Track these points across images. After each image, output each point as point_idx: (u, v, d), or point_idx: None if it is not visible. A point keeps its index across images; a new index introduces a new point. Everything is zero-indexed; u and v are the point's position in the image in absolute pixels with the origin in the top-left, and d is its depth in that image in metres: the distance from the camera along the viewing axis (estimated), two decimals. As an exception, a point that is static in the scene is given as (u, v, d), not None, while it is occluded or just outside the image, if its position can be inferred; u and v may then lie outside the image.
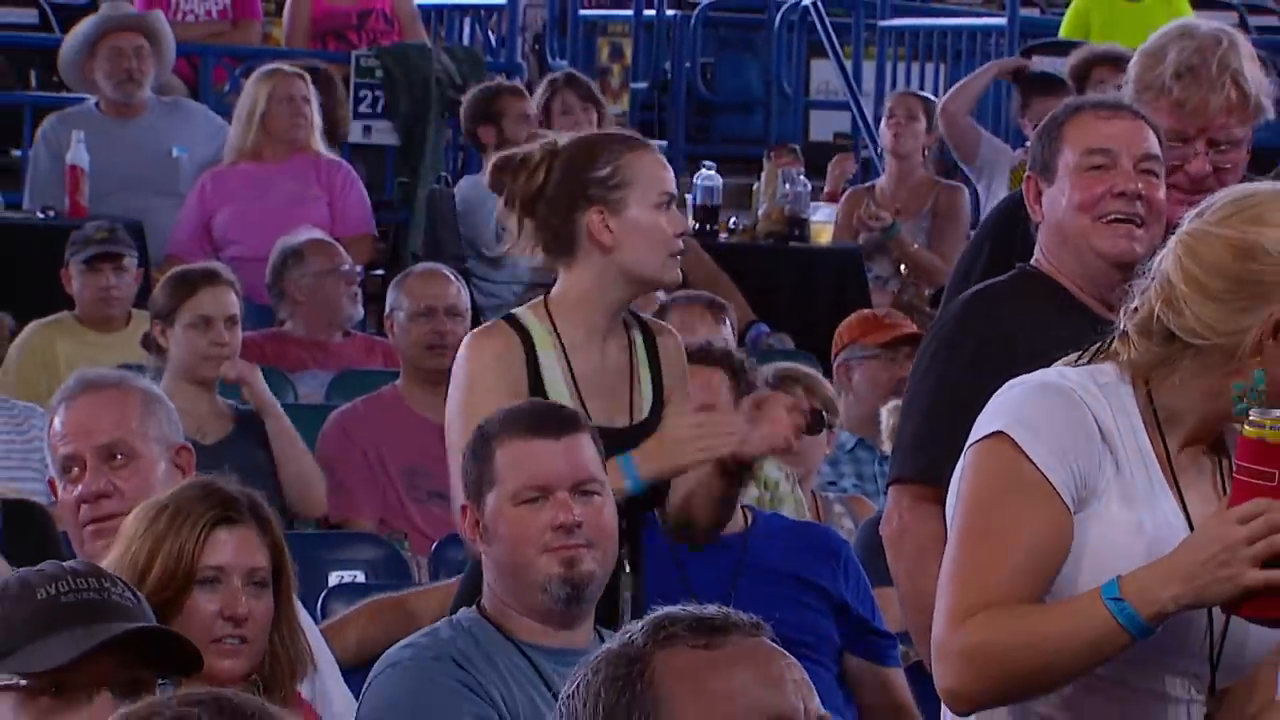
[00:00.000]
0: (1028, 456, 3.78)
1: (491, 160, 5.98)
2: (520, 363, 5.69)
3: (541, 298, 5.81)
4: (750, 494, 7.05)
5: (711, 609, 3.33)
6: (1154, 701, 3.85)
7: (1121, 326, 3.86)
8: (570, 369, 5.71)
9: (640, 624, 3.31)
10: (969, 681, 3.80)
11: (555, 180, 5.68)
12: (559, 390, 5.66)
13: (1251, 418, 3.65)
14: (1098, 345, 3.90)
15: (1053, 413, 3.81)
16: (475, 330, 6.03)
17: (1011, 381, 3.90)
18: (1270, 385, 3.72)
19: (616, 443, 5.46)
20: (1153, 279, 3.84)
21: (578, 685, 3.32)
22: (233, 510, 4.82)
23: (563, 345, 5.73)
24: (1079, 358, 3.91)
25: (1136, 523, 3.79)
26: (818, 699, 3.25)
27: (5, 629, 3.63)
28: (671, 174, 5.91)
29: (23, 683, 3.59)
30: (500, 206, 5.84)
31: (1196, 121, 5.41)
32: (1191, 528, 3.78)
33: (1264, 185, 4.08)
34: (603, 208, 5.67)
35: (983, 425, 3.86)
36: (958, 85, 12.26)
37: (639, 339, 5.85)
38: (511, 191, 5.75)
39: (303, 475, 7.93)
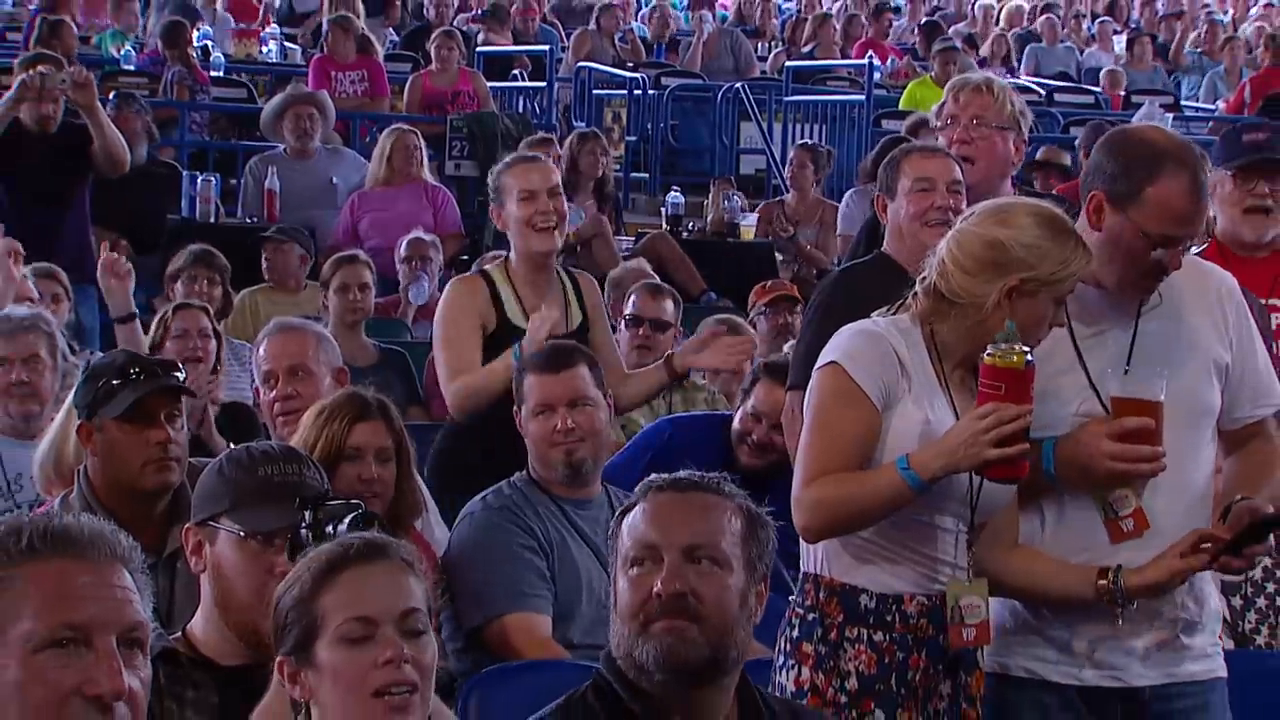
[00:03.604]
0: (850, 377, 3.79)
1: None
2: (482, 292, 5.88)
3: (503, 258, 6.09)
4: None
5: (685, 473, 3.38)
6: (933, 530, 3.84)
7: (914, 290, 3.87)
8: (518, 297, 5.85)
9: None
10: (813, 521, 3.81)
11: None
12: (514, 308, 5.85)
13: (987, 350, 3.69)
14: (900, 303, 3.91)
15: (867, 347, 3.82)
16: (455, 278, 6.28)
17: (841, 328, 3.92)
18: (1018, 329, 3.72)
19: (564, 338, 5.63)
20: (935, 259, 3.85)
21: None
22: (367, 410, 4.83)
23: (512, 286, 5.88)
24: (887, 310, 3.92)
25: (923, 419, 3.79)
26: (702, 531, 3.28)
27: (236, 490, 3.63)
28: (540, 177, 5.95)
29: (242, 534, 3.59)
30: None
31: (960, 103, 5.35)
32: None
33: (1009, 199, 4.11)
34: (497, 205, 5.96)
35: (823, 357, 3.88)
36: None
37: (568, 282, 5.99)
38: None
39: None
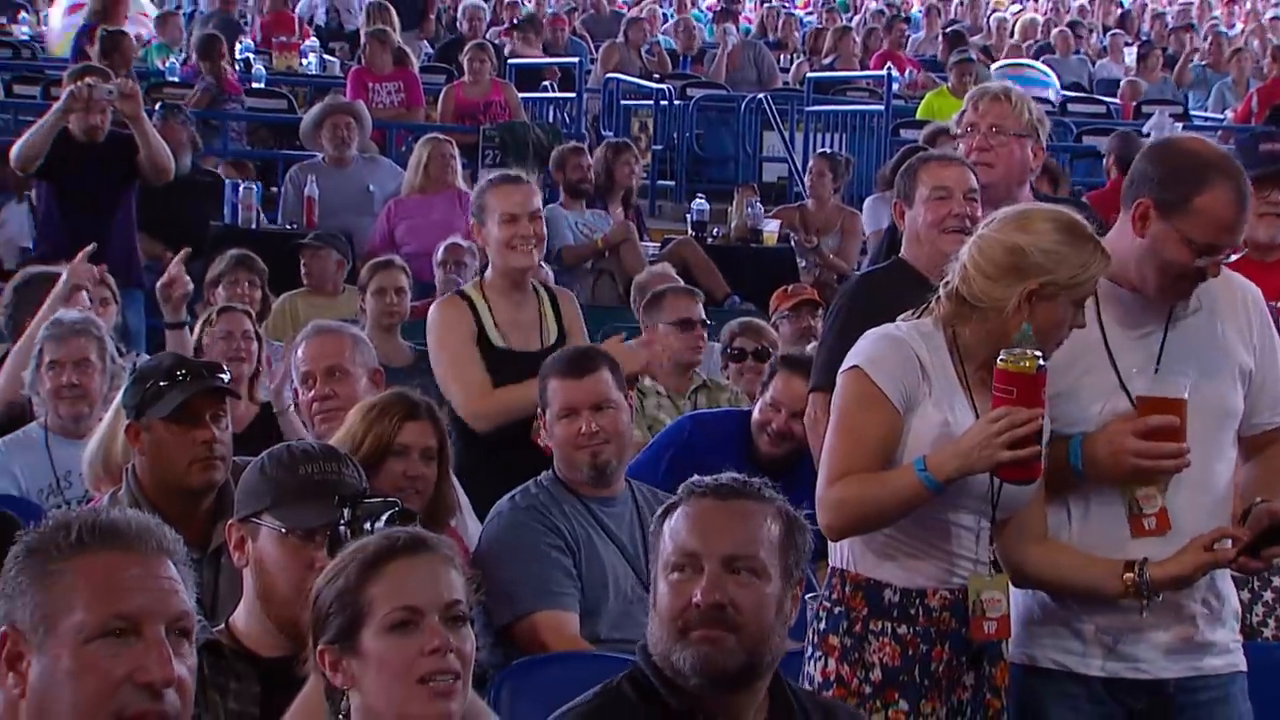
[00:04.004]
0: (873, 381, 3.80)
1: None
2: (467, 313, 5.84)
3: (479, 277, 6.02)
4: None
5: (727, 477, 3.37)
6: (954, 527, 3.85)
7: (938, 294, 3.87)
8: (493, 316, 5.82)
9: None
10: (836, 520, 3.82)
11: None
12: (490, 328, 5.83)
13: (1000, 356, 3.69)
14: (923, 307, 3.90)
15: (889, 352, 3.83)
16: (439, 300, 6.21)
17: (865, 332, 3.92)
18: (1035, 332, 3.73)
19: (535, 359, 5.47)
20: (957, 264, 3.85)
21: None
22: (416, 410, 4.83)
23: (489, 304, 5.84)
24: (911, 314, 3.92)
25: (942, 420, 3.79)
26: (742, 542, 3.27)
27: (278, 487, 3.64)
28: (521, 198, 5.89)
29: (283, 529, 3.60)
30: None
31: (979, 112, 5.37)
32: None
33: (1029, 206, 4.12)
34: (478, 224, 5.91)
35: (847, 361, 3.88)
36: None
37: (545, 297, 5.95)
38: None
39: None
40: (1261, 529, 3.82)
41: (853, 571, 3.88)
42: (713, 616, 3.23)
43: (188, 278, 7.07)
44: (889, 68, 16.25)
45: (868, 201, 11.71)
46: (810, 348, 7.48)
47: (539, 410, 5.07)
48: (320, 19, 17.41)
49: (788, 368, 6.11)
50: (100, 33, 12.56)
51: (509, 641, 4.79)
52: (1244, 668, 4.05)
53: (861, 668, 3.86)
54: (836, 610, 3.89)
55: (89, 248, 7.00)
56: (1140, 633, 3.93)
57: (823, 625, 3.92)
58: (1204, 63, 19.18)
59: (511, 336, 5.85)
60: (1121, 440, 3.84)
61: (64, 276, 6.79)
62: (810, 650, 3.94)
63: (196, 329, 6.87)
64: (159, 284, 7.03)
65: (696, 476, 3.40)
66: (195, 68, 14.00)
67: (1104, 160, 11.88)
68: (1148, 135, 12.69)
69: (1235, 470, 4.04)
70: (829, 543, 3.94)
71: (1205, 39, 20.09)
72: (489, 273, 5.95)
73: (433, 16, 17.91)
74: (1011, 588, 3.91)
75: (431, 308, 6.06)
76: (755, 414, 6.11)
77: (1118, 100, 17.51)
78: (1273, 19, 22.61)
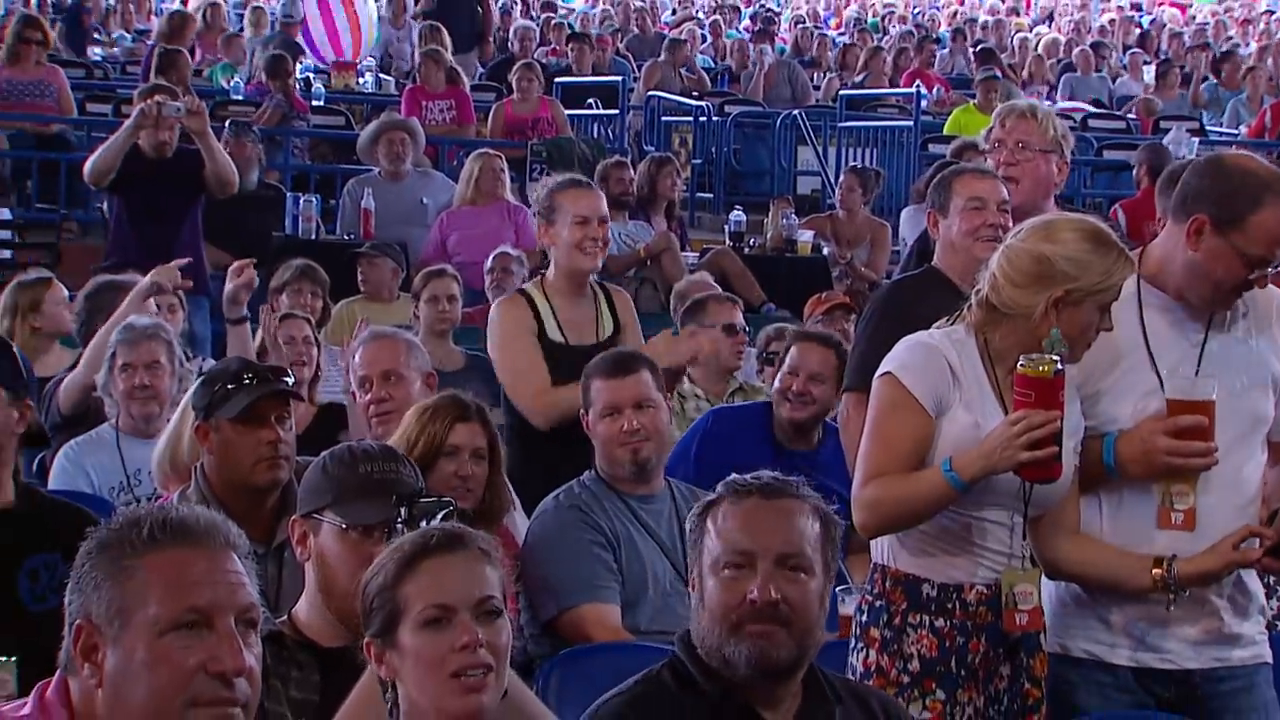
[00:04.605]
0: (905, 387, 3.80)
1: None
2: (527, 311, 5.81)
3: (541, 276, 5.96)
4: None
5: (766, 476, 3.36)
6: (988, 524, 3.85)
7: (969, 302, 3.87)
8: (555, 313, 5.79)
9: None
10: (870, 519, 3.83)
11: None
12: (551, 325, 5.80)
13: (1020, 361, 3.70)
14: (956, 315, 3.91)
15: (921, 358, 3.83)
16: (500, 299, 6.17)
17: (900, 339, 3.92)
18: (1062, 336, 3.73)
19: (591, 353, 5.43)
20: (987, 273, 3.85)
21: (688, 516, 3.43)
22: (467, 412, 4.84)
23: (550, 302, 5.81)
24: (945, 321, 3.92)
25: (972, 422, 3.79)
26: (793, 541, 3.26)
27: (339, 485, 3.64)
28: (593, 204, 5.85)
29: (344, 525, 3.60)
30: None
31: (1006, 128, 5.37)
32: None
33: (1055, 216, 4.08)
34: (546, 223, 5.81)
35: (881, 368, 3.89)
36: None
37: (601, 296, 5.92)
38: None
39: None
40: None
41: (892, 567, 3.90)
42: (768, 613, 3.23)
43: (253, 271, 7.08)
44: (918, 85, 16.21)
45: (905, 212, 11.69)
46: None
47: (582, 410, 5.06)
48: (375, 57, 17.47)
49: (801, 339, 6.22)
50: (158, 50, 12.61)
51: (555, 633, 4.79)
52: (1269, 659, 4.05)
53: (900, 659, 3.86)
54: (877, 604, 3.91)
55: (184, 260, 7.04)
56: (1168, 625, 3.93)
57: (864, 618, 3.93)
58: (1215, 82, 19.10)
59: (569, 332, 5.85)
60: (1153, 439, 3.84)
61: (149, 276, 6.82)
62: (853, 642, 3.96)
63: (259, 335, 6.89)
64: (229, 273, 6.99)
65: (735, 475, 3.39)
66: (261, 86, 14.05)
67: (1134, 171, 11.85)
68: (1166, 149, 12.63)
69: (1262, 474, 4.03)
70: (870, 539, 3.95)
71: (1218, 58, 19.97)
72: (552, 271, 5.92)
73: (491, 39, 17.96)
74: (1044, 580, 3.92)
75: (493, 307, 6.06)
76: (775, 385, 6.13)
77: (1140, 115, 17.44)
78: (1284, 38, 22.46)
